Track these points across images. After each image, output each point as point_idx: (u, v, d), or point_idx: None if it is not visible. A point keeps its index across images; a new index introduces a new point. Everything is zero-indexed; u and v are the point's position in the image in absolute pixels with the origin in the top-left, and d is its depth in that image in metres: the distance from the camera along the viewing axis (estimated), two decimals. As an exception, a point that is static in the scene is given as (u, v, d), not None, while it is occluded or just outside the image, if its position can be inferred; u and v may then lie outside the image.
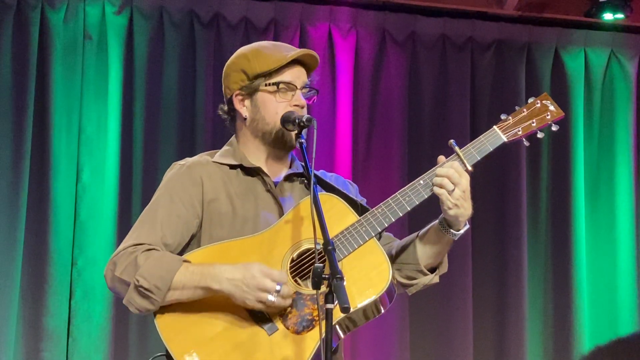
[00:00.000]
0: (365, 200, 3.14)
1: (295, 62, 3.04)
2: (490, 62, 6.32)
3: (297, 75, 3.03)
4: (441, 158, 2.92)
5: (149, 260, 2.79)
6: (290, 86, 3.01)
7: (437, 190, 2.85)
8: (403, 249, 3.00)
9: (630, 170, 6.32)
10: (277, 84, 3.00)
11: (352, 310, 2.72)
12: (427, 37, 6.25)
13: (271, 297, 2.71)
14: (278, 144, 3.02)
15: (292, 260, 2.84)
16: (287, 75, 3.02)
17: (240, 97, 3.06)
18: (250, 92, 3.03)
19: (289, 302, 2.75)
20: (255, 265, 2.75)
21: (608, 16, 6.21)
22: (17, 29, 5.64)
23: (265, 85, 3.00)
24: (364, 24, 6.17)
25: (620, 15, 6.20)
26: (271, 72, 3.00)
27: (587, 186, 6.29)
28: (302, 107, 3.00)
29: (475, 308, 6.03)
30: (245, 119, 3.05)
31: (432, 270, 3.00)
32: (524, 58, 6.33)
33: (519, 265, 6.10)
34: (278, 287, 2.71)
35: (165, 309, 2.81)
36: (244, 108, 3.05)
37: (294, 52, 3.03)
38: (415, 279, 2.98)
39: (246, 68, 3.03)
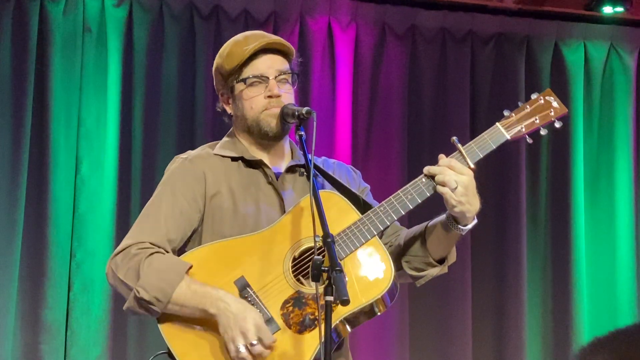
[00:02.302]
0: (369, 187, 3.14)
1: (266, 50, 3.00)
2: (489, 55, 6.31)
3: (268, 65, 2.99)
4: (442, 157, 2.87)
5: (151, 269, 2.78)
6: (261, 78, 2.98)
7: (439, 188, 2.82)
8: (412, 240, 2.98)
9: (630, 163, 6.31)
10: (245, 79, 2.98)
11: (356, 308, 2.72)
12: (427, 30, 6.24)
13: (241, 346, 2.69)
14: (264, 137, 3.00)
15: (295, 259, 2.83)
16: (256, 68, 2.98)
17: (225, 97, 3.08)
18: (228, 92, 3.04)
19: None
20: (254, 313, 2.73)
21: (608, 9, 6.21)
22: (17, 21, 5.62)
23: (237, 82, 2.99)
24: (363, 17, 6.16)
25: (620, 9, 6.19)
26: (239, 67, 2.98)
27: (587, 180, 6.28)
28: (277, 97, 2.97)
29: (475, 302, 6.03)
30: (232, 116, 3.08)
31: (441, 260, 2.97)
32: (523, 51, 6.33)
33: (518, 259, 6.10)
34: (254, 342, 2.69)
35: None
36: (229, 106, 3.07)
37: (253, 44, 2.97)
38: (424, 270, 2.96)
39: (220, 68, 3.04)
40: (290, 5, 6.03)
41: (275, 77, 2.98)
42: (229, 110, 3.06)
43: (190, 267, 2.82)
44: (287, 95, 3.00)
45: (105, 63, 5.72)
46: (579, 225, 6.20)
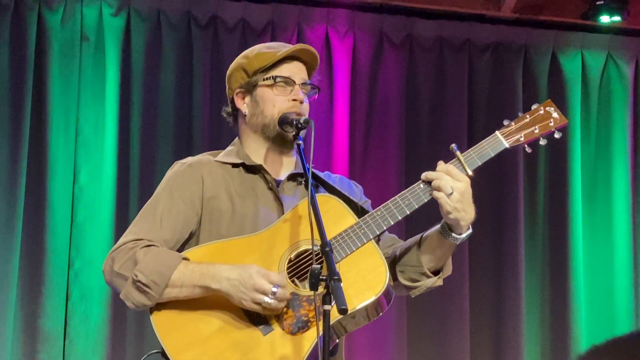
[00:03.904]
0: (369, 201, 3.15)
1: (294, 58, 3.08)
2: (487, 64, 6.32)
3: (295, 71, 3.06)
4: (441, 163, 2.88)
5: (148, 256, 2.80)
6: (288, 81, 3.04)
7: (435, 193, 2.83)
8: (406, 250, 2.98)
9: (627, 172, 6.33)
10: (274, 77, 3.03)
11: (352, 311, 2.71)
12: (424, 40, 6.25)
13: (267, 299, 2.70)
14: (277, 140, 3.04)
15: (290, 261, 2.83)
16: (284, 70, 3.05)
17: (241, 95, 3.10)
18: (249, 89, 3.07)
19: (283, 304, 2.74)
20: (254, 267, 2.75)
21: (605, 19, 6.23)
22: (15, 30, 5.64)
23: (263, 79, 3.04)
24: (361, 26, 6.18)
25: (617, 18, 6.21)
26: (268, 67, 3.04)
27: (584, 188, 6.30)
28: (301, 102, 3.02)
29: (473, 309, 6.03)
30: (245, 115, 3.09)
31: (436, 272, 2.97)
32: (521, 60, 6.34)
33: (516, 266, 6.10)
34: (275, 289, 2.70)
35: (161, 305, 2.82)
36: (244, 105, 3.09)
37: (288, 47, 3.07)
38: (418, 281, 2.96)
39: (246, 66, 3.08)
40: (288, 14, 6.04)
41: (300, 84, 3.05)
42: (243, 109, 3.09)
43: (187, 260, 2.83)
44: (307, 105, 3.06)
45: (103, 72, 5.73)
46: (577, 233, 6.21)
